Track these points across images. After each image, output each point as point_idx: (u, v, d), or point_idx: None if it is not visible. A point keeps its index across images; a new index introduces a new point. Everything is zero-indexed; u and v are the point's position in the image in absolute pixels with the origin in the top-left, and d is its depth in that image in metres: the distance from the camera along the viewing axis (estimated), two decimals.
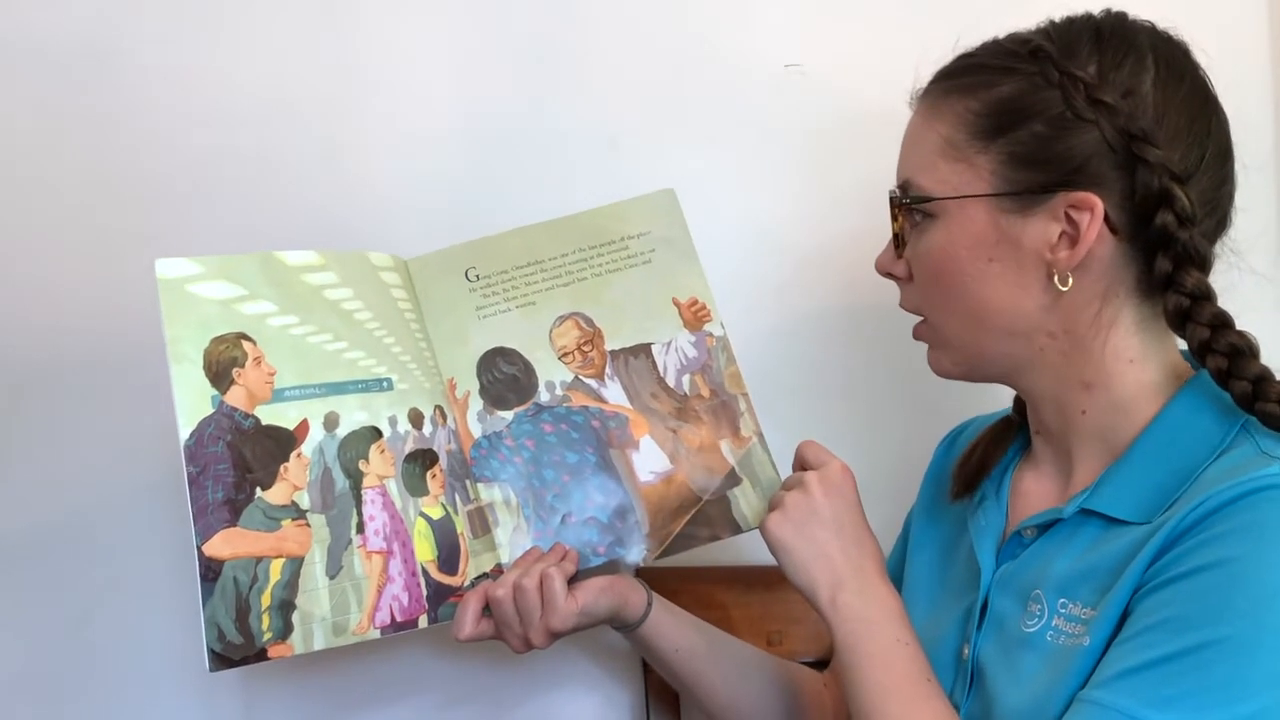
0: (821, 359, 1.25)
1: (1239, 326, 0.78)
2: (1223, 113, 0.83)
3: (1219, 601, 0.70)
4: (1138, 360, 0.83)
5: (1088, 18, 0.84)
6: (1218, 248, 0.83)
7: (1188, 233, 0.77)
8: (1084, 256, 0.80)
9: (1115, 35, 0.81)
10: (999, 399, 0.97)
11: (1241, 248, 0.85)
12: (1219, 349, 0.77)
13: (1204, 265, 0.78)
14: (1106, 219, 0.79)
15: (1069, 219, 0.80)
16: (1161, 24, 0.84)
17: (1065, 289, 0.81)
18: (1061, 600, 0.80)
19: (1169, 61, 0.81)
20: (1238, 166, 0.83)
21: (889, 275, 0.91)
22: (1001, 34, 0.86)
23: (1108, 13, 0.84)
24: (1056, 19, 0.85)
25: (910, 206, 0.85)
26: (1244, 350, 0.77)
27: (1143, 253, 0.80)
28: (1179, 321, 0.79)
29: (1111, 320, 0.82)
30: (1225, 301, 0.79)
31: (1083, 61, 0.80)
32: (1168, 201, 0.77)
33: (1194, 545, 0.72)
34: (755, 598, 1.17)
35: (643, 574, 0.99)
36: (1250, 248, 0.85)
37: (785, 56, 1.24)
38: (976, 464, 0.95)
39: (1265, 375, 0.76)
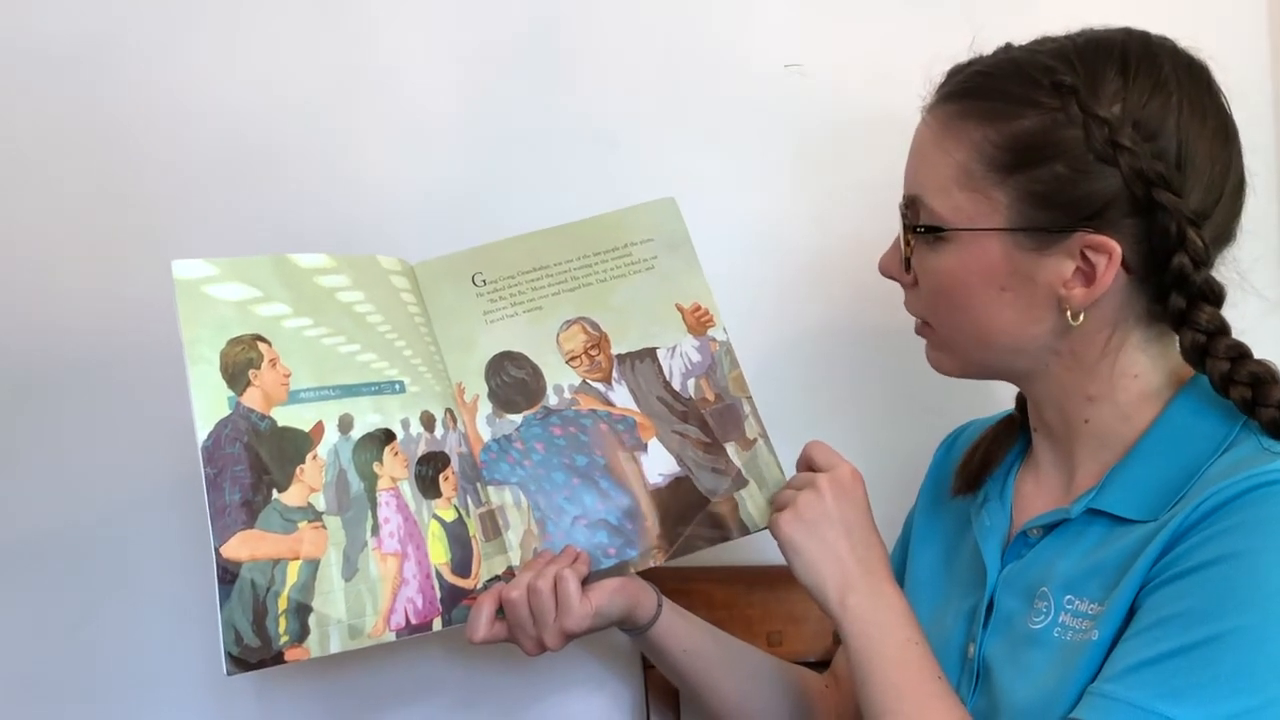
0: (823, 360, 1.26)
1: (1250, 343, 0.79)
2: (1239, 141, 0.83)
3: (1227, 595, 0.72)
4: (1143, 374, 0.84)
5: (1111, 43, 0.81)
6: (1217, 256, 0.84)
7: (1201, 274, 0.78)
8: (1099, 296, 0.80)
9: (1140, 68, 0.80)
10: (1000, 402, 0.99)
11: (1243, 267, 0.85)
12: (1241, 380, 0.77)
13: (1218, 301, 0.79)
14: (1121, 259, 0.79)
15: (1084, 258, 0.80)
16: (1182, 42, 0.83)
17: (1076, 324, 0.81)
18: (1068, 597, 0.81)
19: (1192, 97, 0.80)
20: (1251, 190, 0.84)
21: (892, 278, 0.92)
22: (1010, 38, 0.85)
23: (1129, 35, 0.82)
24: (1078, 37, 0.83)
25: (924, 231, 0.85)
26: (1265, 378, 0.77)
27: (1155, 288, 0.81)
28: (1197, 357, 0.79)
29: (1120, 344, 0.83)
30: (1227, 313, 0.80)
31: (1107, 100, 0.79)
32: (1183, 245, 0.77)
33: (1200, 540, 0.74)
34: (756, 598, 1.18)
35: (647, 574, 0.99)
36: (1251, 267, 0.85)
37: (785, 56, 1.24)
38: (979, 463, 0.96)
39: None
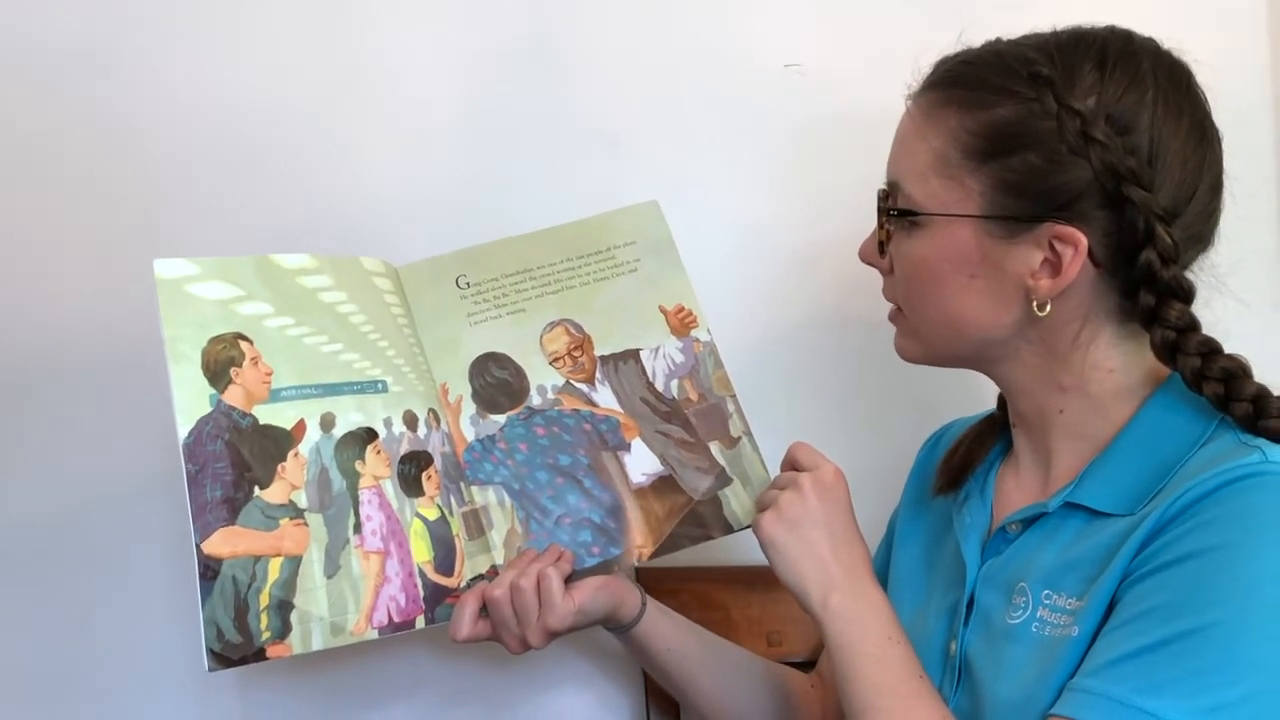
0: (814, 359, 1.26)
1: (1227, 341, 0.79)
2: (1218, 143, 0.83)
3: (1206, 588, 0.71)
4: (1117, 369, 0.84)
5: (1092, 38, 0.82)
6: (1204, 259, 0.84)
7: (1170, 271, 0.78)
8: (1065, 287, 0.81)
9: (1118, 64, 0.80)
10: (985, 401, 0.99)
11: (1221, 271, 0.85)
12: (1213, 375, 0.77)
13: (1187, 298, 0.79)
14: (1089, 252, 0.79)
15: (1052, 248, 0.80)
16: (1166, 43, 0.83)
17: (1043, 314, 0.82)
18: (1046, 592, 0.81)
19: (1168, 96, 0.80)
20: (1228, 195, 0.84)
21: (870, 263, 0.92)
22: (1004, 35, 0.86)
23: (1112, 32, 0.83)
24: (1062, 33, 0.84)
25: (897, 214, 0.86)
26: (1237, 373, 0.78)
27: (1124, 283, 0.81)
28: (1168, 355, 0.79)
29: (1091, 338, 0.84)
30: (1207, 313, 0.80)
31: (1081, 93, 0.79)
32: (1151, 241, 0.78)
33: (1179, 534, 0.74)
34: (755, 598, 1.18)
35: (642, 574, 0.99)
36: (1230, 272, 0.85)
37: (785, 56, 1.25)
38: (961, 461, 0.96)
39: (1262, 393, 0.77)
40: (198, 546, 0.86)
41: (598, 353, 1.04)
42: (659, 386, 1.04)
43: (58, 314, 1.20)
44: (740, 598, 1.18)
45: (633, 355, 1.04)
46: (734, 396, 1.04)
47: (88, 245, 1.20)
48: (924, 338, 0.89)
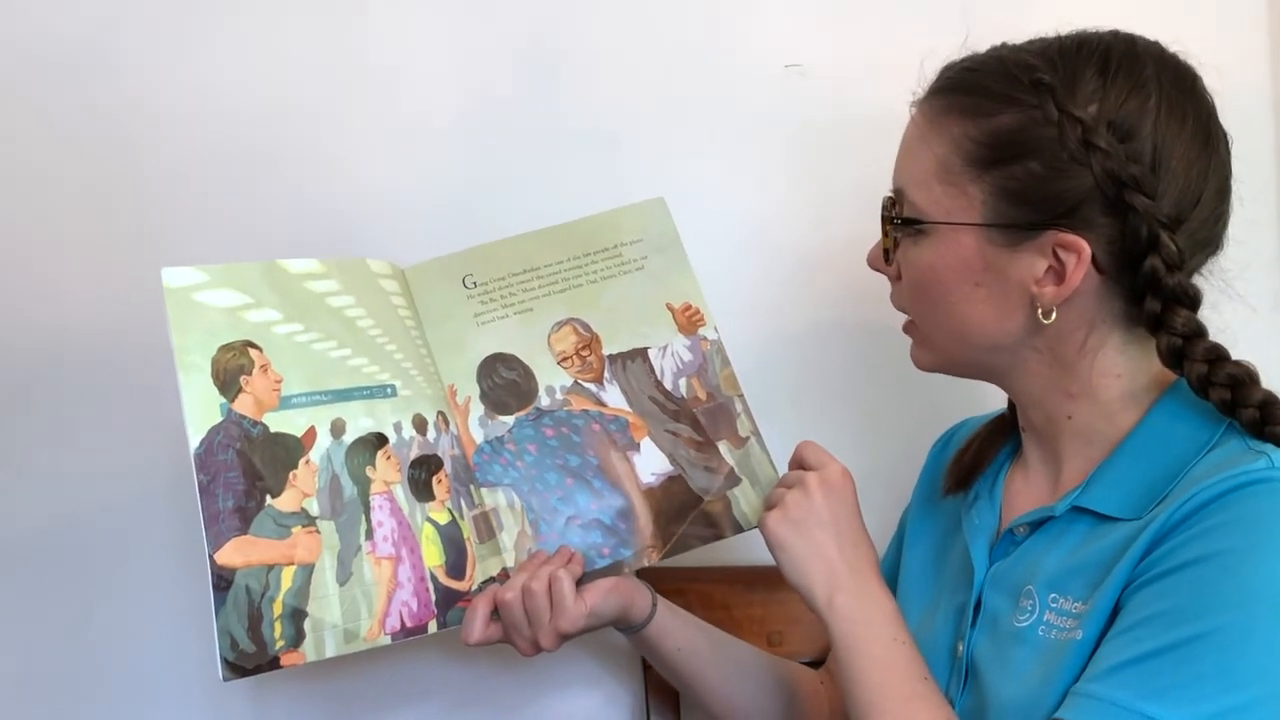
0: (819, 360, 1.26)
1: (1234, 347, 0.79)
2: (1225, 148, 0.82)
3: (1211, 594, 0.71)
4: (1124, 375, 0.84)
5: (1096, 44, 0.82)
6: (1210, 261, 0.84)
7: (1175, 277, 0.77)
8: (1069, 295, 0.81)
9: (1121, 70, 0.80)
10: (995, 401, 0.99)
11: (1230, 276, 0.85)
12: (1219, 381, 0.77)
13: (1193, 304, 0.78)
14: (1093, 260, 0.79)
15: (1056, 256, 0.80)
16: (1172, 46, 0.83)
17: (1048, 322, 0.82)
18: (1052, 595, 0.81)
19: (1172, 100, 0.79)
20: (1235, 198, 0.83)
21: (878, 270, 0.92)
22: (1007, 37, 0.85)
23: (1115, 36, 0.82)
24: (1066, 38, 0.83)
25: (901, 223, 0.86)
26: (1244, 379, 0.77)
27: (1129, 290, 0.81)
28: (1175, 361, 0.79)
29: (1097, 345, 0.83)
30: (1217, 317, 0.80)
31: (1083, 100, 0.79)
32: (1155, 248, 0.77)
33: (1185, 539, 0.74)
34: (757, 598, 1.18)
35: (644, 574, 0.99)
36: (1237, 276, 0.85)
37: (785, 56, 1.24)
38: (970, 461, 0.97)
39: (1269, 399, 0.77)
40: (211, 557, 0.86)
41: (605, 352, 1.04)
42: (667, 385, 1.04)
43: (60, 315, 1.19)
44: (742, 597, 1.19)
45: (641, 354, 1.04)
46: (741, 396, 1.04)
47: (90, 248, 1.19)
48: (936, 346, 0.90)
